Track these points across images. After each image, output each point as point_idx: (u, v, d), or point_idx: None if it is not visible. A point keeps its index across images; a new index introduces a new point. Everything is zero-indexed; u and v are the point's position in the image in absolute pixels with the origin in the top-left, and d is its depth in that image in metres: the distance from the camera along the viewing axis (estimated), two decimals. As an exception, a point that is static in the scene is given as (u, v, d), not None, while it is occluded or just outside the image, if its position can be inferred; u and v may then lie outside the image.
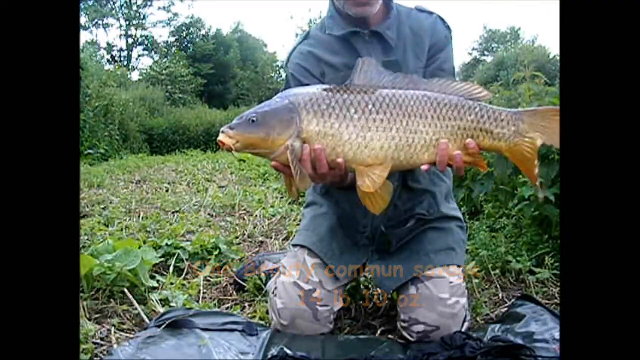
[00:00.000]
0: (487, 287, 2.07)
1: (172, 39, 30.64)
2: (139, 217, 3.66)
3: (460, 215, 1.78)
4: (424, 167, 1.38)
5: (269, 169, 6.98)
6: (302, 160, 1.32)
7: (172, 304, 1.86)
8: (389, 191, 1.37)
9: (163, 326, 1.52)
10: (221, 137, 1.31)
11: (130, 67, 28.68)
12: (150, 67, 23.83)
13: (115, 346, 1.52)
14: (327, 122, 1.32)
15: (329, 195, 1.75)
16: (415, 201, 1.67)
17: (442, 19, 1.71)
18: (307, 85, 1.58)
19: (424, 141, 1.35)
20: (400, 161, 1.36)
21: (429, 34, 1.66)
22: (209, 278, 2.26)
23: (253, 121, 1.31)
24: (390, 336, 1.65)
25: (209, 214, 3.85)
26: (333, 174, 1.36)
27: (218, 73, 26.88)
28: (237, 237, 3.06)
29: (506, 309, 1.84)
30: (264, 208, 3.97)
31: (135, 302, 1.82)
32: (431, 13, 1.71)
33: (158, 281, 2.12)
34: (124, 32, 30.76)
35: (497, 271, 2.16)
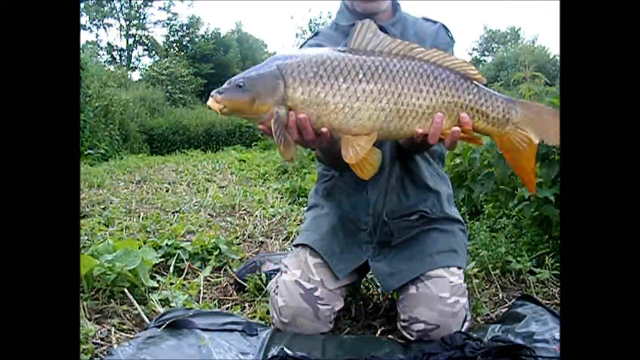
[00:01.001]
0: (487, 287, 2.07)
1: (172, 39, 30.65)
2: (139, 217, 3.66)
3: (461, 218, 1.80)
4: (417, 134, 1.35)
5: (269, 168, 7.00)
6: (288, 127, 1.31)
7: (172, 304, 1.86)
8: (378, 157, 1.35)
9: (163, 326, 1.52)
10: (209, 102, 1.32)
11: (130, 67, 28.68)
12: (150, 67, 23.84)
13: (115, 346, 1.52)
14: (313, 91, 1.30)
15: (331, 196, 1.77)
16: (420, 197, 1.69)
17: (445, 28, 1.77)
18: None
19: (415, 113, 1.33)
20: (389, 131, 1.34)
21: (431, 37, 1.71)
22: (209, 278, 2.26)
23: (240, 86, 1.30)
24: (390, 336, 1.65)
25: (209, 214, 3.85)
26: (319, 140, 1.35)
27: (218, 73, 26.86)
28: (237, 237, 3.06)
29: (506, 309, 1.84)
30: (264, 208, 3.97)
31: (135, 302, 1.82)
32: (435, 22, 1.78)
33: (158, 281, 2.12)
34: (124, 32, 30.77)
35: (497, 271, 2.16)
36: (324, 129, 1.31)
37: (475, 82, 1.40)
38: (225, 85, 1.33)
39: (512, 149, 1.44)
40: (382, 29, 1.64)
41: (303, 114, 1.30)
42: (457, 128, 1.35)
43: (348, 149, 1.32)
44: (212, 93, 1.32)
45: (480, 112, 1.39)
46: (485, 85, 1.43)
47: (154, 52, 30.74)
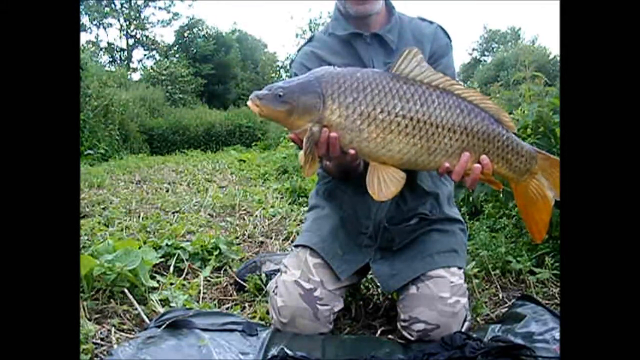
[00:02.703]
0: (487, 287, 2.07)
1: (173, 39, 30.66)
2: (139, 217, 3.66)
3: (461, 218, 1.79)
4: (443, 169, 1.36)
5: (269, 169, 7.00)
6: (318, 142, 1.31)
7: (172, 304, 1.86)
8: (401, 185, 1.35)
9: (163, 326, 1.52)
10: (249, 103, 1.33)
11: (130, 67, 28.69)
12: (151, 67, 23.84)
13: (115, 346, 1.52)
14: (350, 117, 1.30)
15: (332, 197, 1.77)
16: (418, 201, 1.68)
17: (442, 29, 1.76)
18: None
19: (445, 152, 1.34)
20: (416, 164, 1.35)
21: (429, 40, 1.70)
22: (209, 278, 2.26)
23: (279, 96, 1.30)
24: (390, 336, 1.65)
25: (209, 214, 3.85)
26: (343, 158, 1.36)
27: (218, 73, 26.86)
28: (237, 237, 3.06)
29: (506, 309, 1.85)
30: (264, 208, 3.97)
31: (135, 302, 1.82)
32: (432, 22, 1.77)
33: (158, 281, 2.12)
34: (124, 32, 30.77)
35: (497, 271, 2.16)
36: (352, 151, 1.32)
37: (506, 129, 1.40)
38: (265, 91, 1.33)
39: (527, 197, 1.45)
40: (378, 36, 1.65)
41: (335, 134, 1.30)
42: (479, 166, 1.36)
43: (373, 179, 1.33)
44: (252, 96, 1.32)
45: (505, 159, 1.40)
46: (515, 133, 1.45)
47: (154, 52, 30.75)
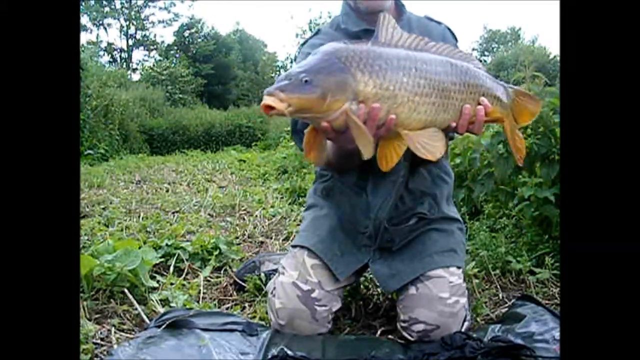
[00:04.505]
0: (487, 287, 2.07)
1: (173, 39, 30.66)
2: (139, 217, 3.66)
3: (459, 217, 1.79)
4: (451, 128, 1.37)
5: (269, 169, 7.00)
6: (356, 120, 1.23)
7: (172, 304, 1.86)
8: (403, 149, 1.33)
9: (163, 326, 1.52)
10: (269, 101, 1.15)
11: (130, 67, 28.68)
12: (151, 67, 23.83)
13: (115, 346, 1.52)
14: (384, 84, 1.23)
15: (330, 197, 1.76)
16: (416, 202, 1.68)
17: (450, 29, 1.77)
18: None
19: (453, 107, 1.34)
20: (434, 125, 1.33)
21: (438, 40, 1.69)
22: (209, 278, 2.26)
23: (306, 81, 1.17)
24: (390, 336, 1.65)
25: (209, 214, 3.85)
26: (350, 143, 1.28)
27: (218, 73, 26.88)
28: (237, 237, 3.06)
29: (506, 309, 1.84)
30: (264, 208, 3.97)
31: (135, 302, 1.82)
32: (439, 22, 1.77)
33: (158, 281, 2.12)
34: (124, 32, 30.77)
35: (497, 271, 2.16)
36: (393, 116, 1.25)
37: (484, 71, 1.46)
38: (283, 82, 1.18)
39: (512, 129, 1.52)
40: None
41: (377, 104, 1.23)
42: (481, 107, 1.38)
43: (417, 147, 1.29)
44: (271, 91, 1.16)
45: (496, 97, 1.45)
46: None
47: (154, 53, 30.76)
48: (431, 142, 1.31)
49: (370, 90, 1.23)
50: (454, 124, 1.37)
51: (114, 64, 28.99)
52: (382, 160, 1.33)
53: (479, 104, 1.39)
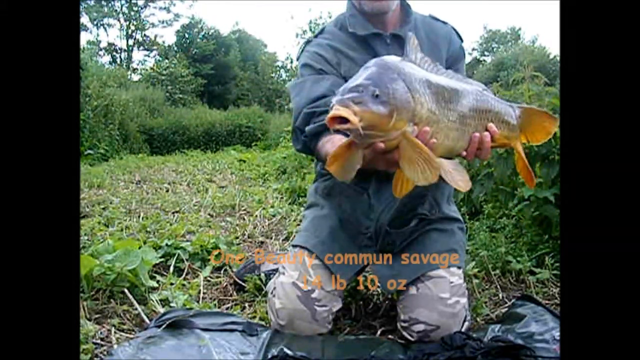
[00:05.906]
0: (487, 287, 2.07)
1: (173, 40, 30.67)
2: (139, 217, 3.66)
3: (460, 217, 1.79)
4: (462, 155, 1.37)
5: (269, 169, 6.99)
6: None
7: (172, 304, 1.86)
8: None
9: (163, 326, 1.52)
10: (344, 113, 1.02)
11: (130, 67, 28.68)
12: (151, 67, 23.83)
13: (115, 346, 1.52)
14: (432, 108, 1.19)
15: (331, 196, 1.75)
16: (416, 202, 1.68)
17: (455, 30, 1.76)
18: (322, 72, 1.60)
19: (468, 133, 1.33)
20: (453, 153, 1.33)
21: (445, 42, 1.69)
22: (209, 278, 2.26)
23: (377, 96, 1.06)
24: (390, 336, 1.65)
25: (209, 214, 3.85)
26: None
27: (218, 73, 26.85)
28: (237, 237, 3.06)
29: (506, 309, 1.84)
30: (264, 208, 3.97)
31: (135, 302, 1.82)
32: (445, 23, 1.76)
33: (158, 281, 2.12)
34: (124, 32, 30.76)
35: (497, 271, 2.16)
36: (434, 140, 1.20)
37: (492, 94, 1.42)
38: (353, 94, 1.05)
39: (519, 152, 1.49)
40: (397, 37, 1.64)
41: (428, 128, 1.17)
42: (487, 133, 1.35)
43: (446, 176, 1.21)
44: (344, 101, 1.04)
45: (505, 122, 1.42)
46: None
47: (154, 53, 30.75)
48: (459, 171, 1.26)
49: (424, 113, 1.17)
50: (464, 153, 1.34)
51: (114, 64, 28.99)
52: (398, 185, 1.25)
53: (487, 129, 1.36)
